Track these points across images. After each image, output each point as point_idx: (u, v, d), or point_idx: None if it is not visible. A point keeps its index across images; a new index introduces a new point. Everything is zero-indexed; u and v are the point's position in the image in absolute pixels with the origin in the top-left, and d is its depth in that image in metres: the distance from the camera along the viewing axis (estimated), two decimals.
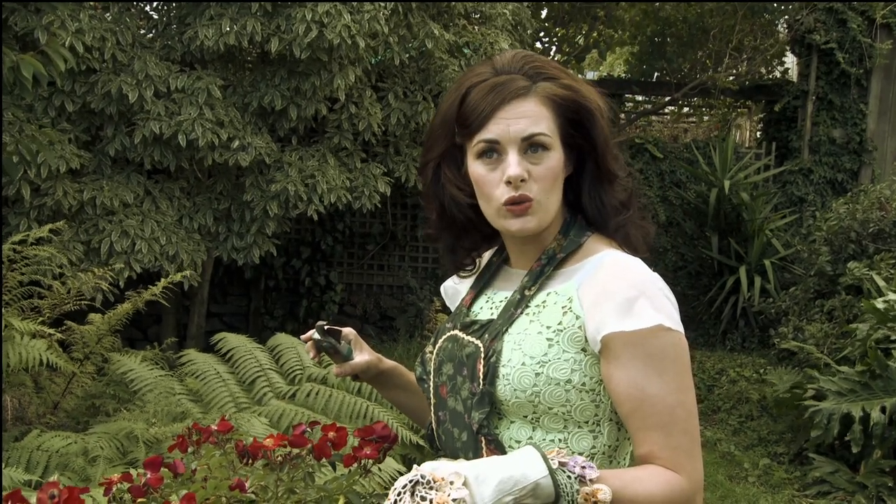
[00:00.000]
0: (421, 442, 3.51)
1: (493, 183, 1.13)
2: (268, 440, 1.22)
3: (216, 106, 4.62)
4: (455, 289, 1.38)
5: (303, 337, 1.34)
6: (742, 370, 5.95)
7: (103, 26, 4.48)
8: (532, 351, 1.11)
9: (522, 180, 1.11)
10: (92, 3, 4.62)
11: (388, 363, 1.39)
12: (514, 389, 1.10)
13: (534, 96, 1.13)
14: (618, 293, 1.08)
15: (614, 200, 1.19)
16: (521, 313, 1.15)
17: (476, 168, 1.15)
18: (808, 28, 7.25)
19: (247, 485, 1.21)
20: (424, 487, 0.92)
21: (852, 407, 4.03)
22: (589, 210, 1.20)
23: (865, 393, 4.11)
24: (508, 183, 1.12)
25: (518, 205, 1.12)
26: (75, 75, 4.48)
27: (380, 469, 2.73)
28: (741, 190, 6.85)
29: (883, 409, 3.93)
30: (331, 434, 1.23)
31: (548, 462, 0.99)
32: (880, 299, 4.45)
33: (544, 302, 1.15)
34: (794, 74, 8.11)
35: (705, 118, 9.55)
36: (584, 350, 1.11)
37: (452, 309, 1.38)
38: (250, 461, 1.23)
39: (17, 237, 3.64)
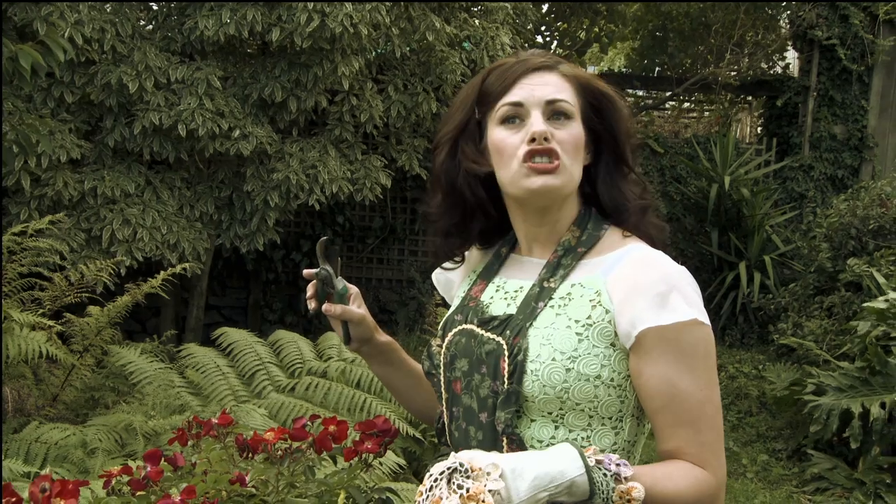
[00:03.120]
0: (419, 435, 3.51)
1: (514, 145, 1.13)
2: (268, 434, 1.21)
3: (216, 96, 4.60)
4: (446, 276, 1.36)
5: (305, 272, 1.29)
6: (741, 366, 5.95)
7: (103, 17, 4.46)
8: (562, 346, 1.09)
9: (546, 138, 1.11)
10: None
11: (384, 337, 1.35)
12: (544, 385, 1.08)
13: (556, 72, 1.16)
14: (650, 287, 1.07)
15: (631, 193, 1.19)
16: (546, 306, 1.13)
17: (497, 133, 1.15)
18: (810, 24, 7.23)
19: (247, 478, 1.20)
20: (462, 475, 0.92)
21: (852, 403, 4.03)
22: (606, 199, 1.18)
23: (865, 389, 4.11)
24: (532, 140, 1.11)
25: (544, 160, 1.11)
26: (75, 66, 4.46)
27: (380, 463, 2.73)
28: (741, 185, 6.84)
29: (882, 405, 3.93)
30: (331, 428, 1.22)
31: (585, 460, 0.98)
32: (881, 299, 4.44)
33: (569, 294, 1.13)
34: (795, 70, 8.09)
35: (706, 113, 9.53)
36: (613, 345, 1.09)
37: (447, 298, 1.36)
38: (250, 455, 1.22)
39: (17, 228, 3.63)
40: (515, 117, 1.14)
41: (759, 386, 5.53)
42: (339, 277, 1.27)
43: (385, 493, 1.25)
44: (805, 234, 6.61)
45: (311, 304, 1.28)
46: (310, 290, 1.28)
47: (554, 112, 1.13)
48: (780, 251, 6.76)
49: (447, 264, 1.32)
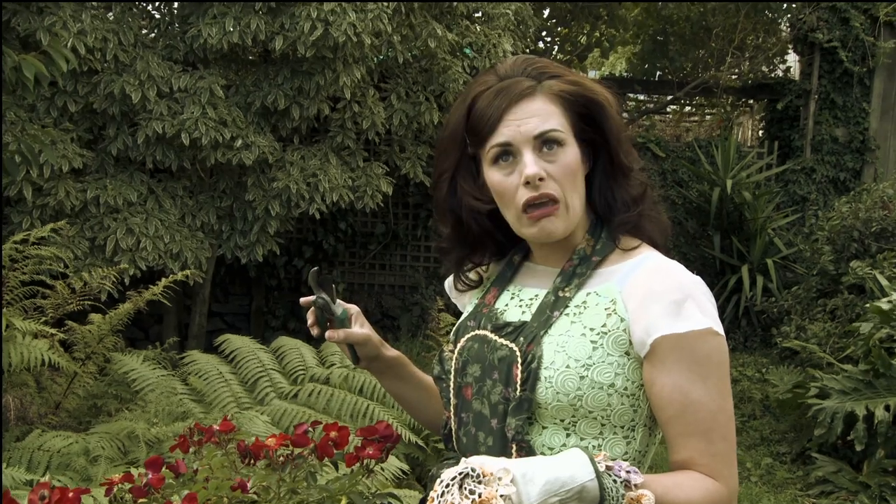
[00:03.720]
0: (421, 442, 3.50)
1: (511, 189, 1.12)
2: (270, 440, 1.21)
3: (219, 105, 4.62)
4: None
5: (302, 301, 1.28)
6: (744, 369, 5.94)
7: (105, 26, 4.48)
8: (576, 353, 1.09)
9: (541, 179, 1.10)
10: (94, 4, 4.61)
11: (392, 352, 1.35)
12: (557, 392, 1.08)
13: (540, 95, 1.12)
14: (664, 296, 1.07)
15: (626, 196, 1.17)
16: (561, 315, 1.13)
17: (493, 175, 1.14)
18: (811, 26, 7.24)
19: (249, 485, 1.21)
20: (473, 481, 0.92)
21: (856, 405, 4.02)
22: (598, 205, 1.18)
23: (869, 392, 4.10)
24: (527, 184, 1.10)
25: (541, 207, 1.11)
26: (78, 76, 4.48)
27: (382, 469, 2.72)
28: (743, 189, 6.84)
29: (887, 408, 3.91)
30: (333, 434, 1.22)
31: (595, 465, 0.98)
32: (884, 300, 4.43)
33: (584, 302, 1.13)
34: (796, 73, 8.09)
35: (707, 117, 9.53)
36: (627, 353, 1.09)
37: (459, 306, 1.36)
38: (252, 461, 1.22)
39: (19, 236, 3.64)
40: (507, 155, 1.12)
41: (763, 389, 5.51)
42: (338, 302, 1.27)
43: (387, 498, 1.25)
44: (807, 237, 6.60)
45: (314, 332, 1.29)
46: (310, 317, 1.28)
47: (545, 142, 1.11)
48: (783, 254, 6.76)
49: (461, 286, 1.32)
